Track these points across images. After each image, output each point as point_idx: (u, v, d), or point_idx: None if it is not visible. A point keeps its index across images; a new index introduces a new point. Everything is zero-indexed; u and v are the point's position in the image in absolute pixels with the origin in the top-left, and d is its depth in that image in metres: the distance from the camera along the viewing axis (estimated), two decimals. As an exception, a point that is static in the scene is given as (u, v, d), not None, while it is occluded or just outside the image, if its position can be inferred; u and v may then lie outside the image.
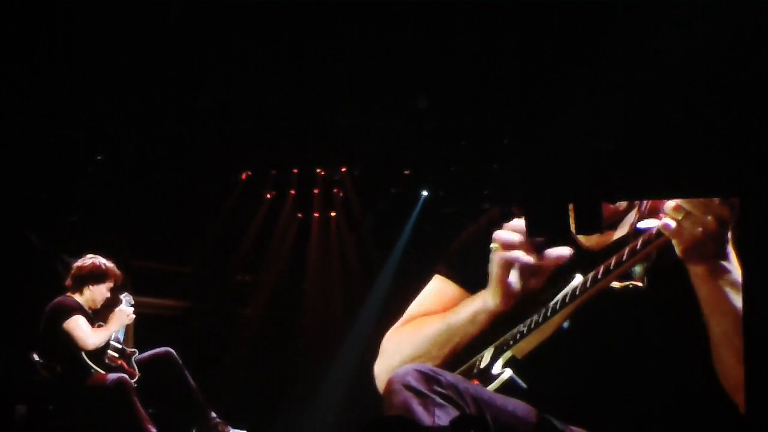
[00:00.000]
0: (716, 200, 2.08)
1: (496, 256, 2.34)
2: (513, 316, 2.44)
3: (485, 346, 2.46)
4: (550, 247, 2.32)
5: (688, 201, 2.08)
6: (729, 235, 2.14)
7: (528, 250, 2.32)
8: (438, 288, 2.59)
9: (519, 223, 2.36)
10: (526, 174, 1.88)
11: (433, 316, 2.52)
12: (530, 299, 2.40)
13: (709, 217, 2.09)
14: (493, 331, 2.45)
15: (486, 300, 2.39)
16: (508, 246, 2.32)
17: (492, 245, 2.35)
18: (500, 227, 2.45)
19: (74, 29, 5.08)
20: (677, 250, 2.14)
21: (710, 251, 2.13)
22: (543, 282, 2.36)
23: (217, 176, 7.88)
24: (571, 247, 2.38)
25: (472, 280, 2.49)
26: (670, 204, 2.13)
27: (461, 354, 2.47)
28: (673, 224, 2.11)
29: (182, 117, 6.58)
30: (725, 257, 2.15)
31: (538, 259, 2.32)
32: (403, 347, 2.48)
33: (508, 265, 2.33)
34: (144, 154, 7.12)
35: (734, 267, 2.18)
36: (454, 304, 2.51)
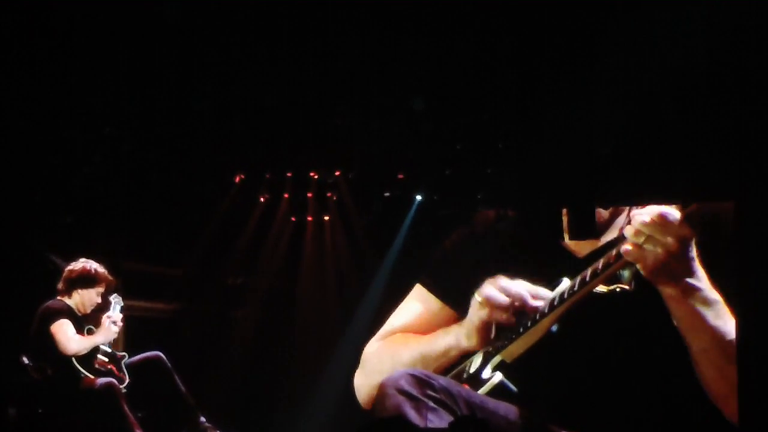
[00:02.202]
0: (676, 220, 2.11)
1: (480, 312, 2.38)
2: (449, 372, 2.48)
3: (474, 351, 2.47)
4: (532, 301, 2.36)
5: (647, 224, 2.11)
6: (693, 252, 2.16)
7: (513, 311, 2.36)
8: (419, 300, 2.61)
9: (511, 285, 2.38)
10: (521, 178, 1.87)
11: (410, 339, 2.55)
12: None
13: (669, 239, 2.11)
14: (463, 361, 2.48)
15: (459, 339, 2.43)
16: (495, 307, 2.36)
17: (477, 297, 2.39)
18: (488, 238, 2.48)
19: (68, 29, 5.06)
20: (643, 273, 2.16)
21: (676, 271, 2.15)
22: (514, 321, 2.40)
23: (211, 179, 7.86)
24: (558, 251, 2.40)
25: (453, 294, 2.51)
26: (629, 230, 2.16)
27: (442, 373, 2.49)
28: (633, 249, 2.14)
29: (177, 119, 6.56)
30: (693, 275, 2.17)
31: (519, 316, 2.37)
32: (383, 368, 2.50)
33: (490, 322, 2.37)
34: (138, 156, 7.10)
35: (704, 284, 2.19)
36: (434, 319, 2.55)
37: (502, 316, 2.36)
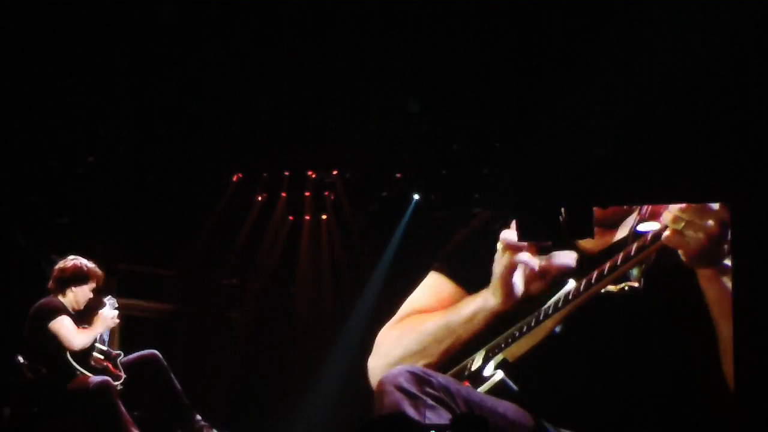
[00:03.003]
0: (715, 204, 2.09)
1: (502, 257, 2.36)
2: (506, 319, 2.46)
3: (478, 349, 2.48)
4: (555, 251, 2.34)
5: (686, 209, 2.10)
6: (729, 233, 2.15)
7: (533, 254, 2.33)
8: (434, 285, 2.61)
9: None
10: (518, 178, 1.88)
11: (431, 314, 2.54)
12: (527, 301, 2.43)
13: (710, 222, 2.10)
14: (486, 333, 2.46)
15: (486, 299, 2.41)
16: (514, 248, 2.33)
17: (498, 244, 2.37)
18: (506, 226, 2.47)
19: (65, 31, 5.07)
20: (683, 258, 2.15)
21: (717, 253, 2.15)
22: (545, 286, 2.38)
23: (208, 179, 7.86)
24: (570, 248, 2.39)
25: (468, 277, 2.51)
26: (668, 216, 2.15)
27: (458, 351, 2.48)
28: (673, 235, 2.13)
29: (173, 120, 6.57)
30: (728, 256, 2.16)
31: (543, 264, 2.34)
32: (402, 342, 2.49)
33: (512, 266, 2.35)
34: (135, 156, 7.10)
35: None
36: (451, 301, 2.53)
37: (524, 256, 2.34)
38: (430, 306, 2.61)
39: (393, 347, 2.57)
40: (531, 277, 2.39)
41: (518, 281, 2.40)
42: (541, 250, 2.35)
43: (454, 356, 2.51)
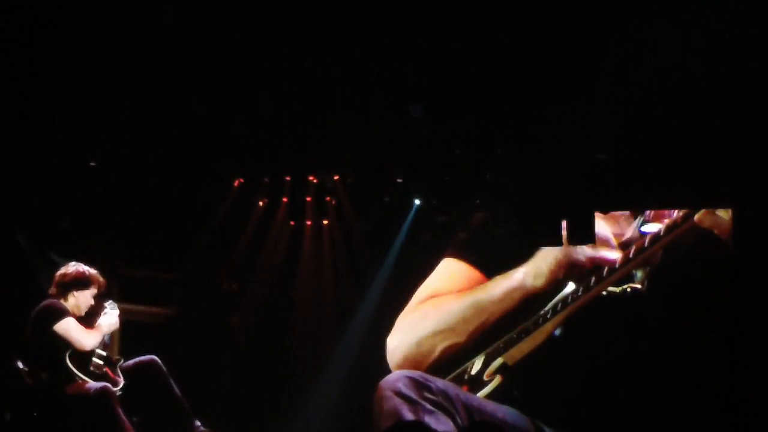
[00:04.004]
0: None
1: (558, 253, 2.33)
2: (505, 323, 2.43)
3: (507, 331, 2.44)
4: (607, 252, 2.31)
5: None
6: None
7: (586, 256, 2.30)
8: (452, 269, 2.57)
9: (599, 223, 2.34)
10: (520, 183, 1.85)
11: (454, 294, 2.48)
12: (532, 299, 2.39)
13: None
14: (485, 339, 2.43)
15: (526, 279, 2.37)
16: (599, 242, 2.30)
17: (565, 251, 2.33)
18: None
19: (65, 32, 5.05)
20: (722, 236, 2.09)
21: None
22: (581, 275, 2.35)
23: (210, 183, 7.85)
24: None
25: (488, 262, 2.47)
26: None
27: (487, 332, 2.43)
28: (706, 215, 2.07)
29: (175, 123, 6.55)
30: None
31: (597, 256, 2.31)
32: (427, 322, 2.43)
33: (565, 264, 2.31)
34: (136, 160, 7.08)
35: None
36: (471, 283, 2.49)
37: (580, 257, 2.31)
38: (450, 288, 2.55)
39: (417, 326, 2.49)
40: (582, 270, 2.36)
41: (569, 270, 2.36)
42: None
43: (481, 338, 2.45)
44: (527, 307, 2.43)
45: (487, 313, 2.47)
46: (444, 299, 2.55)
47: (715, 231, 2.16)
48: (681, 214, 2.19)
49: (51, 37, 5.04)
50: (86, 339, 5.84)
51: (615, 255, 2.36)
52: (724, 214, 2.13)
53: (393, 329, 2.63)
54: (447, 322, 2.43)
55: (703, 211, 2.16)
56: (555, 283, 2.39)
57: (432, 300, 2.59)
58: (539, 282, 2.41)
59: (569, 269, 2.39)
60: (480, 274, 2.58)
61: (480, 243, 2.59)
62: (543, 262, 2.40)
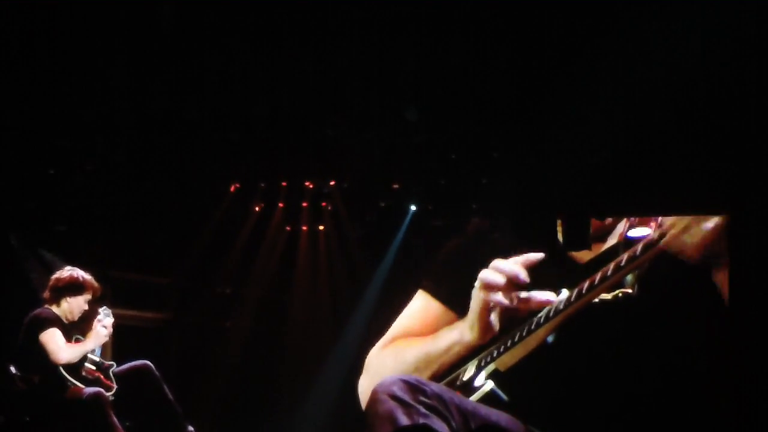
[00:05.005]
0: None
1: (479, 295, 2.34)
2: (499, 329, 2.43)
3: (470, 359, 2.45)
4: (534, 289, 2.31)
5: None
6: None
7: (511, 292, 2.30)
8: (421, 306, 2.59)
9: (504, 264, 2.34)
10: (516, 188, 1.86)
11: (414, 341, 2.52)
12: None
13: (708, 224, 2.06)
14: (463, 364, 2.45)
15: (463, 333, 2.39)
16: (491, 287, 2.31)
17: (476, 282, 2.35)
18: (488, 243, 2.44)
19: (62, 37, 5.06)
20: (689, 257, 2.09)
21: (719, 251, 2.10)
22: (524, 315, 2.35)
23: (205, 188, 7.85)
24: (558, 259, 2.36)
25: (455, 298, 2.48)
26: (667, 220, 2.11)
27: (439, 379, 2.46)
28: (672, 239, 2.09)
29: (171, 128, 6.55)
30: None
31: (520, 302, 2.31)
32: (387, 369, 2.47)
33: (488, 306, 2.32)
34: (132, 165, 7.09)
35: None
36: (437, 323, 2.51)
37: (499, 296, 2.31)
38: (417, 330, 2.58)
39: (380, 370, 2.54)
40: (507, 314, 2.35)
41: (494, 319, 2.36)
42: (520, 289, 2.31)
43: (440, 378, 2.49)
44: (469, 358, 2.45)
45: (436, 365, 2.49)
46: (403, 346, 2.59)
47: (685, 254, 2.17)
48: (642, 244, 2.20)
49: (49, 41, 5.04)
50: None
51: (547, 296, 2.38)
52: (689, 238, 2.14)
53: (363, 370, 2.67)
54: (402, 371, 2.45)
55: (671, 232, 2.16)
56: (490, 334, 2.39)
57: (394, 344, 2.63)
58: (474, 334, 2.42)
59: (503, 313, 2.40)
60: (449, 312, 2.60)
61: (450, 278, 2.59)
62: (472, 311, 2.41)
